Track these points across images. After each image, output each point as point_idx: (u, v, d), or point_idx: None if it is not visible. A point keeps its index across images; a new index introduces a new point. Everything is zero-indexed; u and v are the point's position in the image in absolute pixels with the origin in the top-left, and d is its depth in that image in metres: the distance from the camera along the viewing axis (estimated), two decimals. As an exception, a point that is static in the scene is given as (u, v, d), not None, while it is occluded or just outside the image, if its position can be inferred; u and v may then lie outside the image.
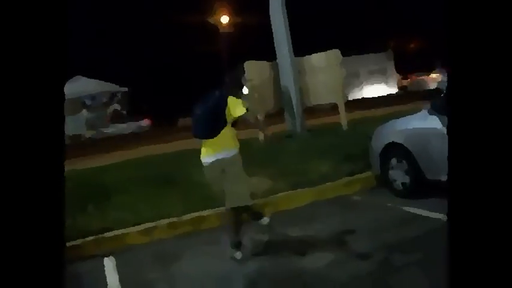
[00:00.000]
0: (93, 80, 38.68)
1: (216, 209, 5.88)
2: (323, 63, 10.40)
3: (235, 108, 4.42)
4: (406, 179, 5.79)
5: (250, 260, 4.58)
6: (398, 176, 5.92)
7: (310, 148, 8.52)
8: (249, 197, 4.63)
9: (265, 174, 6.92)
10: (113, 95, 38.67)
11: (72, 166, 11.89)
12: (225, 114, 4.41)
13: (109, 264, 5.07)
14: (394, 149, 5.95)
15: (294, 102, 10.40)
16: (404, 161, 5.79)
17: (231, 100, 4.45)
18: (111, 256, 5.25)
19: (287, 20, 10.30)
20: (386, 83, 34.81)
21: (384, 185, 6.27)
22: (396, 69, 35.95)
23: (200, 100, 4.57)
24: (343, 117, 10.49)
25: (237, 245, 4.65)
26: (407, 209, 5.43)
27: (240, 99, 4.51)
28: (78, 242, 5.48)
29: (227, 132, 4.47)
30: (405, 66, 37.48)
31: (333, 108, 11.33)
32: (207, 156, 4.53)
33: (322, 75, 10.40)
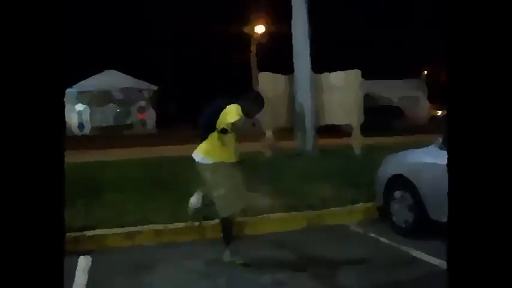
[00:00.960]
0: (124, 75, 39.23)
1: (205, 221, 5.62)
2: (342, 82, 10.04)
3: (227, 115, 4.32)
4: (409, 217, 5.38)
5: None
6: (401, 210, 5.50)
7: (316, 169, 8.18)
8: (221, 209, 4.57)
9: (264, 191, 6.58)
10: (141, 92, 39.09)
11: (73, 159, 11.88)
12: (213, 119, 4.42)
13: (82, 264, 4.84)
14: (399, 182, 5.54)
15: (307, 119, 10.03)
16: (409, 196, 5.39)
17: (229, 107, 4.37)
18: (87, 255, 5.02)
19: (308, 33, 9.96)
20: (415, 111, 33.81)
21: (386, 218, 5.86)
22: (430, 99, 34.84)
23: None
24: (357, 141, 10.08)
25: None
26: (405, 248, 5.00)
27: (236, 107, 4.39)
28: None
29: (210, 139, 4.49)
30: (440, 96, 36.53)
31: (348, 130, 10.91)
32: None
33: (339, 95, 10.03)
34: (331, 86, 10.26)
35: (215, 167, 4.47)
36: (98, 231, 5.46)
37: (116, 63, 33.93)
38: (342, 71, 10.14)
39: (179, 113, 38.43)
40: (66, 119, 30.85)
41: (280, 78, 10.24)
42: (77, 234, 5.35)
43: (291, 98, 10.28)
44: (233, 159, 4.56)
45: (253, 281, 4.26)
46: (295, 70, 10.25)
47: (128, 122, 39.03)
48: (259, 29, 32.52)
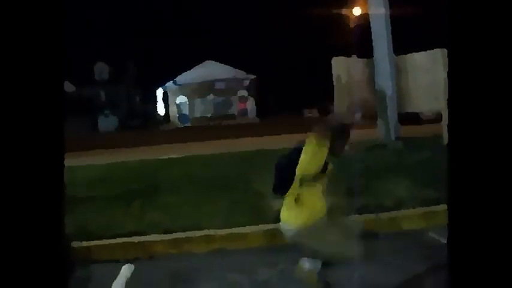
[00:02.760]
0: (223, 65, 39.98)
1: (262, 225, 5.10)
2: (427, 64, 8.82)
3: (308, 156, 3.06)
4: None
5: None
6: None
7: (396, 163, 7.23)
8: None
9: (332, 190, 5.83)
10: (241, 81, 39.60)
11: (141, 155, 12.01)
12: (295, 163, 3.10)
13: (123, 274, 4.51)
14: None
15: (389, 106, 8.98)
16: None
17: (311, 144, 3.07)
18: (130, 264, 4.72)
19: (388, 11, 8.88)
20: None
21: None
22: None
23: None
24: (446, 130, 8.80)
25: None
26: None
27: (324, 145, 3.07)
28: (105, 242, 5.08)
29: (295, 194, 3.17)
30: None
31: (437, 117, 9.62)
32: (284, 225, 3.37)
33: (425, 78, 8.83)
34: (416, 68, 9.08)
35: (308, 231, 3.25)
36: (143, 238, 5.16)
37: (214, 53, 34.52)
38: (427, 51, 8.91)
39: (278, 102, 38.40)
40: (170, 112, 32.08)
41: (358, 62, 9.30)
42: (123, 240, 5.10)
43: (372, 83, 9.28)
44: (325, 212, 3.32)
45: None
46: (374, 52, 9.23)
47: (229, 112, 39.68)
48: (357, 11, 31.01)
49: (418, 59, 9.13)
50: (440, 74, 8.66)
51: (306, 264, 3.43)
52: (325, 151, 3.08)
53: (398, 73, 9.21)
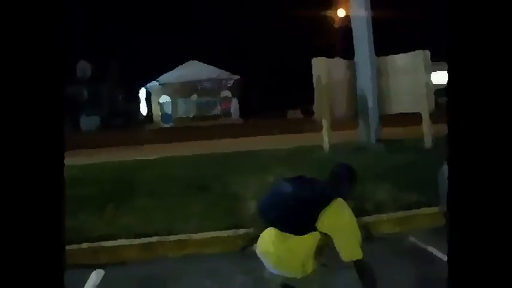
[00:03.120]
0: (206, 65, 39.73)
1: (235, 230, 4.94)
2: (408, 65, 8.74)
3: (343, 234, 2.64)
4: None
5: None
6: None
7: (376, 166, 7.10)
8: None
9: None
10: (225, 82, 39.45)
11: (122, 156, 11.78)
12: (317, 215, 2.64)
13: (92, 280, 4.33)
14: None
15: (370, 107, 8.88)
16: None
17: (338, 210, 2.64)
18: (100, 270, 4.53)
19: (369, 12, 8.77)
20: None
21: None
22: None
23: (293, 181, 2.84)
24: (427, 132, 8.73)
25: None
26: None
27: (354, 221, 2.67)
28: (75, 247, 4.85)
29: (305, 243, 2.66)
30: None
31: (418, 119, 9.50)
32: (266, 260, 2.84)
33: (406, 79, 8.75)
34: (397, 69, 8.98)
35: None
36: (114, 242, 4.93)
37: (198, 53, 34.30)
38: (409, 53, 8.83)
39: (262, 102, 38.33)
40: (153, 111, 31.89)
41: (339, 63, 9.16)
42: (93, 245, 4.89)
43: (353, 85, 9.16)
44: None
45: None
46: (356, 53, 9.12)
47: (213, 112, 39.50)
48: (341, 12, 31.04)
49: (399, 60, 9.05)
50: (422, 75, 8.60)
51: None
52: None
53: (379, 75, 9.11)
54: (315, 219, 2.62)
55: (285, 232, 2.68)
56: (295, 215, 2.69)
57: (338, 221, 2.61)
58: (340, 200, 2.65)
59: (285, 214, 2.72)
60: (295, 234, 2.65)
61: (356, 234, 2.61)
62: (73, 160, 10.94)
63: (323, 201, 2.64)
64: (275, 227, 2.73)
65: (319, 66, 8.38)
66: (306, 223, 2.65)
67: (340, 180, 2.85)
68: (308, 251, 2.62)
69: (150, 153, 12.16)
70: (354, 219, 2.64)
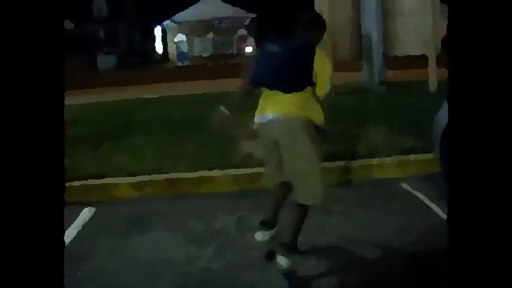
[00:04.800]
0: (222, 3, 38.68)
1: (227, 170, 4.87)
2: (415, 7, 8.24)
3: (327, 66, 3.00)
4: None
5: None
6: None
7: (375, 108, 6.85)
8: (313, 191, 2.98)
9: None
10: (241, 20, 38.60)
11: (136, 94, 11.68)
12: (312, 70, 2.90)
13: (82, 216, 4.35)
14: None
15: (374, 50, 8.48)
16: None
17: (322, 59, 2.95)
18: (91, 207, 4.54)
19: None
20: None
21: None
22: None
23: (275, 38, 3.03)
24: (433, 75, 8.34)
25: (265, 224, 3.20)
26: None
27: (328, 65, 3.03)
28: (67, 184, 4.81)
29: (304, 93, 2.91)
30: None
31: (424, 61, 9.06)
32: (261, 114, 3.04)
33: (413, 20, 8.28)
34: (404, 10, 8.48)
35: (310, 129, 2.96)
36: (104, 180, 4.90)
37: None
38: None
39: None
40: (168, 51, 31.72)
41: (344, 1, 8.68)
42: (84, 183, 4.86)
43: (357, 24, 8.74)
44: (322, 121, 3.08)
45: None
46: (361, -8, 8.63)
47: (229, 51, 38.92)
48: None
49: (406, 1, 8.54)
50: (428, 17, 8.13)
51: (259, 236, 3.19)
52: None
53: (385, 15, 8.63)
54: (311, 71, 2.88)
55: (287, 93, 2.89)
56: (295, 72, 2.89)
57: (326, 65, 3.00)
58: (320, 50, 2.95)
59: (284, 75, 2.88)
60: (297, 91, 2.89)
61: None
62: (85, 98, 10.88)
63: (312, 53, 2.90)
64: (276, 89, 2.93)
65: (322, 1, 7.97)
66: (305, 76, 2.89)
67: (311, 26, 3.08)
68: (311, 103, 2.95)
69: (162, 91, 12.04)
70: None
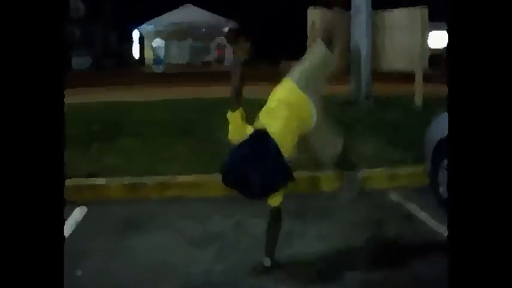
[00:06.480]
0: (202, 10, 38.69)
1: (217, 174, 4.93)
2: (405, 22, 8.55)
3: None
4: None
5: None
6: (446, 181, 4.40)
7: (363, 121, 7.07)
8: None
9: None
10: (219, 28, 38.65)
11: (105, 97, 11.68)
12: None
13: (74, 216, 4.37)
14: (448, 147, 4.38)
15: (363, 63, 8.74)
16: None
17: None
18: (83, 206, 4.56)
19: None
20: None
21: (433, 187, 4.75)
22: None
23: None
24: (419, 91, 8.64)
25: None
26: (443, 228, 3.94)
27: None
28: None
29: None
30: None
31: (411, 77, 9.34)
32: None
33: (401, 36, 8.58)
34: (394, 25, 8.80)
35: None
36: (98, 181, 4.96)
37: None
38: (406, 8, 8.63)
39: (257, 51, 37.40)
40: (145, 55, 31.45)
41: (335, 14, 8.91)
42: (77, 181, 4.89)
43: (347, 38, 8.98)
44: None
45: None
46: (352, 5, 8.88)
47: (206, 59, 38.90)
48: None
49: (396, 16, 8.84)
50: (417, 33, 8.44)
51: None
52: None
53: (375, 29, 8.92)
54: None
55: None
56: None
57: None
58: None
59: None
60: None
61: None
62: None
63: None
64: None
65: (314, 14, 8.19)
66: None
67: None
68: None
69: (139, 95, 12.05)
70: None
